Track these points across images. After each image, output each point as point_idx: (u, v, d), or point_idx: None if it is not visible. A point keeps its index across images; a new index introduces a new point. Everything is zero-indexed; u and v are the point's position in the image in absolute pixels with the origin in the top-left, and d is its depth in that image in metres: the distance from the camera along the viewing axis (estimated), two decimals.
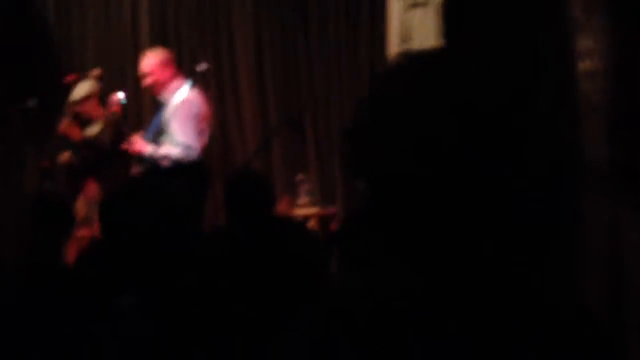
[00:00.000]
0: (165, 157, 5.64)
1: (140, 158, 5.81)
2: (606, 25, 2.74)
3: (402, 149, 0.91)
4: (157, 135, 5.78)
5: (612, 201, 2.79)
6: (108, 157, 6.12)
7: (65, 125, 6.22)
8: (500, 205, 0.92)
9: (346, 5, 7.41)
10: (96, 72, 6.48)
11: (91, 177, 6.14)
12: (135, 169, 5.86)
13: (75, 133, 6.23)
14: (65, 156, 6.27)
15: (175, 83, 5.82)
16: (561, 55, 2.94)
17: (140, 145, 5.74)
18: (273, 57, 7.54)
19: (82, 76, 6.55)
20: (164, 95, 5.83)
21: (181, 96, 5.75)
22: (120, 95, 6.28)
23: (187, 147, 5.61)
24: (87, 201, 6.02)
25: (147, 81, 5.87)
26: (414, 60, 0.98)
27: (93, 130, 6.25)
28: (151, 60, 5.89)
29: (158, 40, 7.62)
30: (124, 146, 5.85)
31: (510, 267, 0.95)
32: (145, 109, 7.54)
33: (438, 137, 0.90)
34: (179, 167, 5.60)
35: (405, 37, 5.98)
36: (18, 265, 3.79)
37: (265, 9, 7.53)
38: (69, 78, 6.43)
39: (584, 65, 2.90)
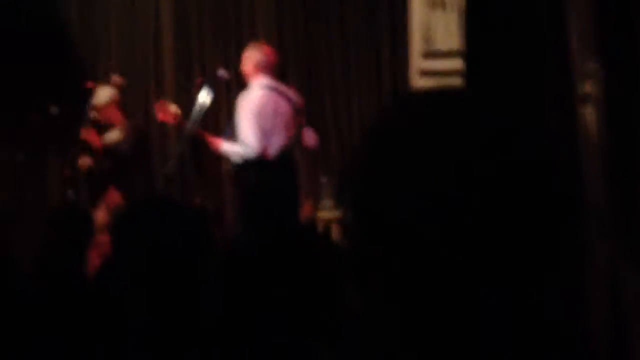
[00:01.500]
0: (234, 153, 5.59)
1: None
2: (599, 69, 2.77)
3: (403, 195, 0.86)
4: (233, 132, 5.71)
5: (611, 240, 2.81)
6: (129, 165, 6.09)
7: (85, 131, 6.20)
8: (504, 249, 0.87)
9: (366, 4, 7.40)
10: (116, 78, 6.46)
11: (112, 185, 6.11)
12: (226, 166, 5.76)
13: (94, 139, 6.22)
14: (84, 160, 6.25)
15: (255, 81, 5.67)
16: (563, 96, 2.96)
17: (217, 142, 5.69)
18: (295, 60, 7.52)
19: (102, 82, 6.54)
20: (246, 89, 5.73)
21: (246, 96, 5.66)
22: (173, 106, 6.03)
23: (246, 146, 5.53)
24: (108, 209, 6.00)
25: (241, 67, 5.78)
26: (422, 102, 0.93)
27: (112, 136, 6.23)
28: (248, 51, 5.77)
29: (180, 48, 7.66)
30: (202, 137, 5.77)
31: (512, 301, 0.90)
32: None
33: (445, 185, 0.85)
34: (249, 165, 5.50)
35: (427, 38, 5.93)
36: (38, 274, 3.77)
37: (288, 16, 7.53)
38: (89, 84, 6.41)
39: (582, 106, 2.92)
